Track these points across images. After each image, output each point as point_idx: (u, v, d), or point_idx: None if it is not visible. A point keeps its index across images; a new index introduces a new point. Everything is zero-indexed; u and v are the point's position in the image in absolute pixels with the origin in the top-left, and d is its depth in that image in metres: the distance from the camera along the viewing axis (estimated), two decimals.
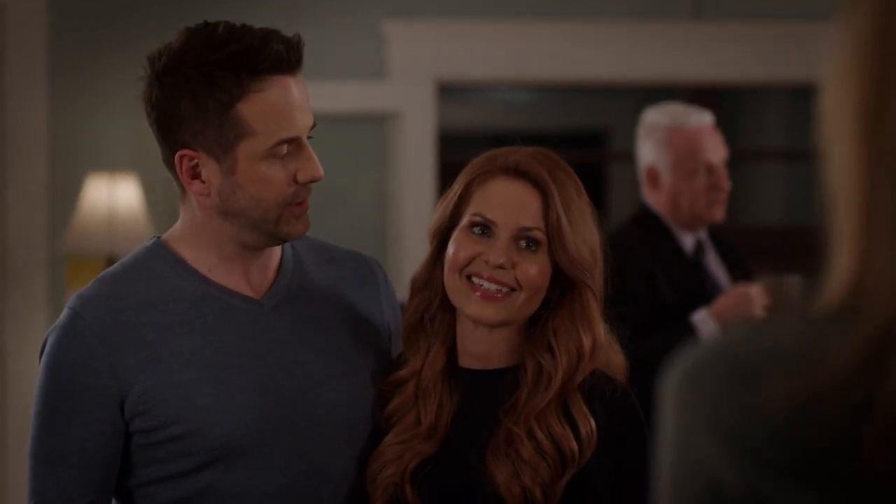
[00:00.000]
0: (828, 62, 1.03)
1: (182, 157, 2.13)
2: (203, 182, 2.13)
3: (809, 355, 0.96)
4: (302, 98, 2.14)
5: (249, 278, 2.20)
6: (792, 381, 0.95)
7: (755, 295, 3.81)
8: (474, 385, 2.21)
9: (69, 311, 2.14)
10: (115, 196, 5.05)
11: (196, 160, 2.13)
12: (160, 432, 2.11)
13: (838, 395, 0.95)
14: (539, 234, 2.17)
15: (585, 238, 2.19)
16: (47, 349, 2.14)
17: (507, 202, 2.19)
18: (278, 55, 2.10)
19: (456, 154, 5.64)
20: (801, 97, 6.83)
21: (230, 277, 2.19)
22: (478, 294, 2.17)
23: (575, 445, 2.09)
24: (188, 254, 2.19)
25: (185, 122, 2.11)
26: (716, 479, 0.97)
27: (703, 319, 3.77)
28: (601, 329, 2.19)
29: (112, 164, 5.21)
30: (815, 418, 0.95)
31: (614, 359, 2.22)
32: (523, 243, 2.18)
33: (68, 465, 2.12)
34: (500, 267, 2.17)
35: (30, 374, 5.20)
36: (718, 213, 3.96)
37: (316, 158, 2.15)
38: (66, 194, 5.23)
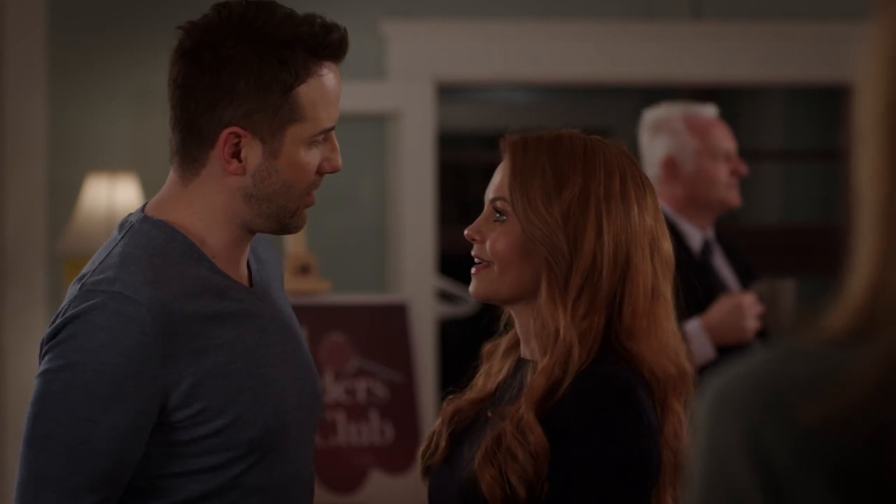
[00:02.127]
0: (859, 62, 1.02)
1: (230, 134, 2.08)
2: (240, 162, 2.10)
3: (834, 380, 0.97)
4: (340, 89, 2.15)
5: (239, 267, 2.18)
6: (819, 406, 0.96)
7: (747, 304, 3.77)
8: (514, 369, 2.21)
9: (117, 294, 2.03)
10: (114, 196, 5.06)
11: (240, 139, 2.08)
12: (202, 427, 2.06)
13: (860, 419, 0.95)
14: (503, 204, 2.15)
15: (539, 208, 2.10)
16: (84, 330, 2.01)
17: (494, 177, 2.20)
18: (338, 42, 2.10)
19: (455, 154, 5.65)
20: (799, 98, 6.84)
21: (230, 265, 2.16)
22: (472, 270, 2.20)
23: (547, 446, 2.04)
24: (198, 238, 2.13)
25: (240, 99, 2.07)
26: (745, 495, 0.98)
27: (695, 331, 3.74)
28: (561, 317, 2.07)
29: (111, 164, 5.21)
30: (841, 441, 0.95)
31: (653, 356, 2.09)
32: (496, 214, 2.16)
33: (98, 454, 2.02)
34: (473, 240, 2.18)
35: (29, 373, 5.20)
36: (737, 198, 3.96)
37: (339, 149, 2.16)
38: (65, 194, 5.23)
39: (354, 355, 5.07)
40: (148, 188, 5.09)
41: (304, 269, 5.05)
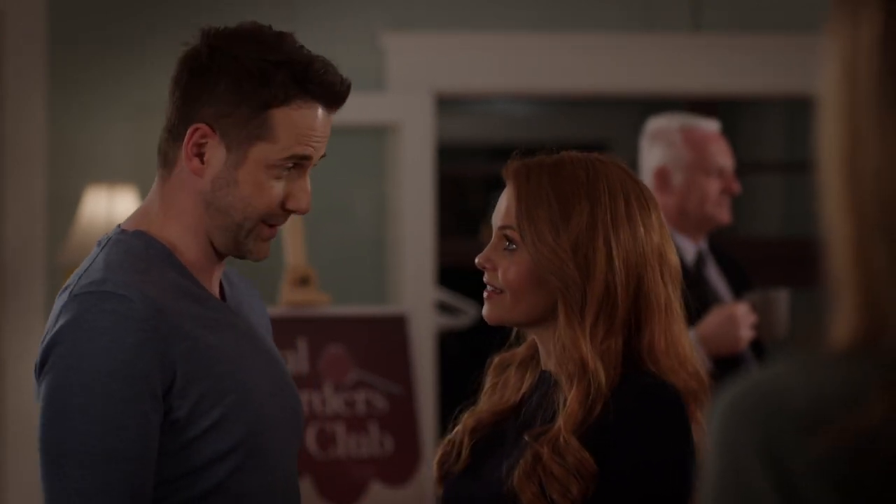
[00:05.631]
0: (820, 80, 1.02)
1: (196, 129, 2.12)
2: (202, 164, 2.12)
3: (851, 397, 0.97)
4: (325, 132, 2.17)
5: (213, 283, 2.20)
6: (836, 427, 0.96)
7: (741, 315, 3.76)
8: (538, 382, 2.21)
9: (109, 294, 2.03)
10: (114, 207, 5.06)
11: (207, 140, 2.12)
12: (189, 428, 2.06)
13: (879, 438, 0.95)
14: (512, 233, 2.16)
15: (547, 240, 2.12)
16: (86, 336, 2.02)
17: (499, 204, 2.21)
18: (331, 86, 2.14)
19: (455, 166, 5.65)
20: (799, 109, 6.83)
21: (203, 277, 2.17)
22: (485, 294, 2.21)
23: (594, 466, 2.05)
24: (171, 245, 2.15)
25: (216, 102, 2.10)
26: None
27: None
28: (583, 343, 2.09)
29: (111, 176, 5.21)
30: (861, 460, 0.95)
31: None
32: (505, 243, 2.18)
33: (130, 460, 2.01)
34: (484, 268, 2.19)
35: (28, 385, 5.19)
36: (727, 215, 3.95)
37: (310, 193, 2.16)
38: (65, 205, 5.23)
39: (354, 367, 5.06)
40: None
41: (303, 282, 5.05)
